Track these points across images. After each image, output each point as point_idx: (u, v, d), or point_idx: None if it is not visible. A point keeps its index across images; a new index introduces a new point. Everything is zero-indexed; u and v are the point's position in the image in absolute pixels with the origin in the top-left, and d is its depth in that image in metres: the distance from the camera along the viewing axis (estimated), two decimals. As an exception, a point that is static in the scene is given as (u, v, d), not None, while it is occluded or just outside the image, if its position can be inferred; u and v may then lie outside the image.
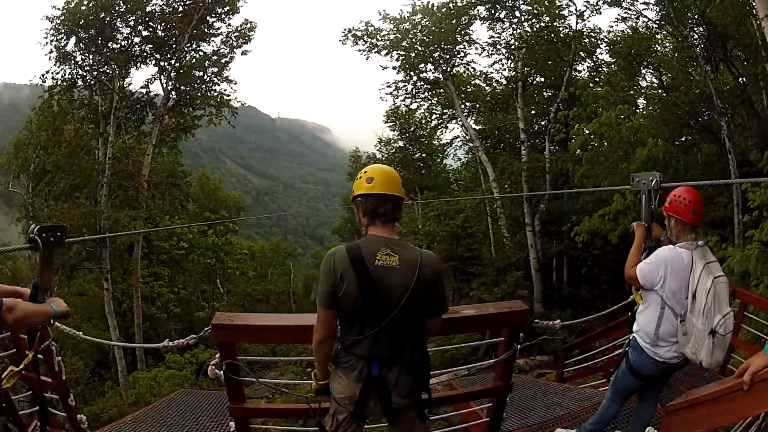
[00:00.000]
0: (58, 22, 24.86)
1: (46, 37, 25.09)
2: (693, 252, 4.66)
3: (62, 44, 25.32)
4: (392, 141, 42.21)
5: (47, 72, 25.60)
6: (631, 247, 5.21)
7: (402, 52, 29.97)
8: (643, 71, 22.94)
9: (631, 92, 23.15)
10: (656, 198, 5.38)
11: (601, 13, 25.79)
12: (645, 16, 23.22)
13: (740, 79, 21.18)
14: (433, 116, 36.33)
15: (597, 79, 26.84)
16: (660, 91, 22.56)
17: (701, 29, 20.06)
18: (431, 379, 3.79)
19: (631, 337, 5.08)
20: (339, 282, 3.40)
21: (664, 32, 22.61)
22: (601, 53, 27.74)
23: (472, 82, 32.94)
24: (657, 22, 22.67)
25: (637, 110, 22.91)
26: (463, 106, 31.17)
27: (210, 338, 5.01)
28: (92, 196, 26.15)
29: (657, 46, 23.06)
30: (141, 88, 28.78)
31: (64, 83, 25.80)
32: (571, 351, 12.42)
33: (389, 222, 3.58)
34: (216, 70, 29.28)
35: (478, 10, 28.09)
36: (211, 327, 4.55)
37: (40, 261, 3.71)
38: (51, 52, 25.24)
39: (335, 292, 3.41)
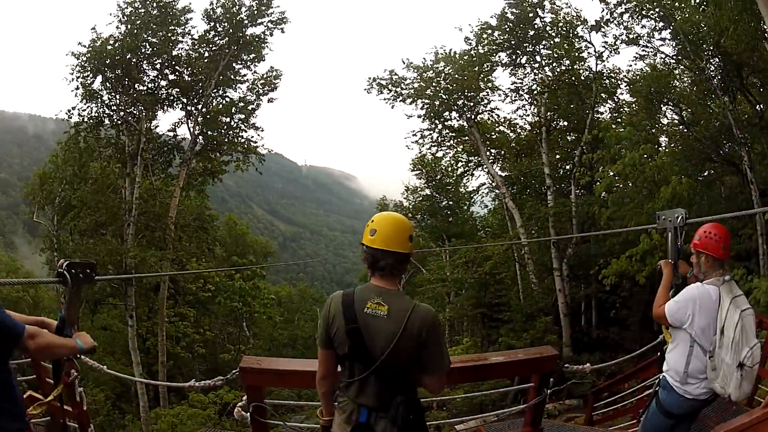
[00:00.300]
0: (84, 59, 25.43)
1: (71, 73, 25.63)
2: (720, 287, 4.66)
3: (88, 82, 25.86)
4: (419, 189, 42.18)
5: (73, 108, 26.08)
6: (658, 286, 5.19)
7: (426, 101, 30.19)
8: (664, 108, 22.90)
9: (653, 130, 23.09)
10: (682, 235, 5.39)
11: (619, 52, 25.92)
12: (662, 52, 23.39)
13: (758, 106, 21.12)
14: (459, 164, 36.42)
15: (619, 120, 26.88)
16: (681, 127, 22.48)
17: (717, 60, 20.08)
18: (460, 424, 3.87)
19: (660, 377, 5.06)
20: (331, 324, 3.49)
21: (682, 67, 22.62)
22: (622, 93, 27.91)
23: (497, 129, 33.08)
24: (674, 57, 22.80)
25: (660, 148, 22.85)
26: (488, 153, 31.19)
27: (236, 379, 5.10)
28: (118, 234, 26.45)
29: (675, 81, 23.06)
30: (168, 131, 29.26)
31: (91, 121, 26.25)
32: (600, 394, 12.21)
33: (388, 275, 3.54)
34: (243, 116, 29.65)
35: (499, 57, 28.43)
36: (239, 370, 4.60)
37: (67, 296, 3.73)
38: (77, 88, 25.77)
39: (329, 334, 3.50)
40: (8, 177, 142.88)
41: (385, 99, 30.33)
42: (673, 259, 5.35)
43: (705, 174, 21.99)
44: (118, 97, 26.39)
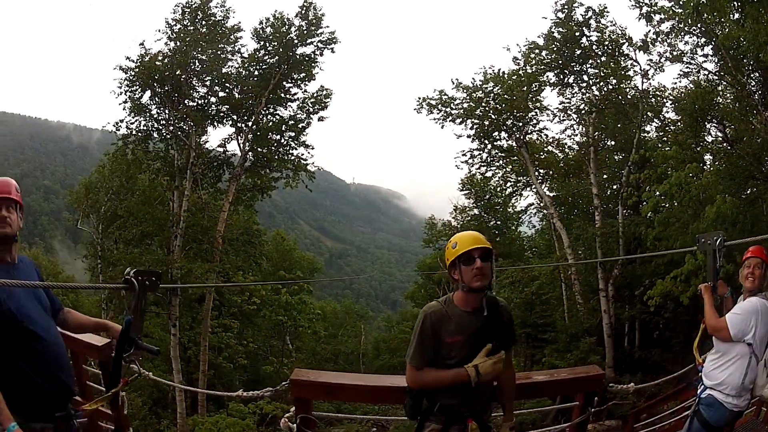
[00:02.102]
0: (133, 74, 25.97)
1: (119, 87, 26.19)
2: None
3: (137, 96, 26.43)
4: (467, 209, 42.22)
5: (121, 121, 26.65)
6: (704, 307, 5.30)
7: (476, 121, 30.24)
8: (708, 126, 22.59)
9: (698, 149, 22.80)
10: (721, 257, 5.40)
11: (664, 70, 25.80)
12: (705, 69, 23.04)
13: None
14: (508, 184, 36.17)
15: (665, 139, 26.55)
16: (725, 144, 22.16)
17: (757, 74, 19.86)
18: None
19: (703, 395, 5.12)
20: None
21: (724, 83, 22.30)
22: (668, 111, 27.51)
23: (545, 149, 32.96)
24: (716, 73, 22.47)
25: (705, 167, 22.54)
26: (536, 173, 31.03)
27: (280, 391, 5.16)
28: (165, 245, 27.09)
29: (719, 98, 22.72)
30: (218, 146, 29.72)
31: (139, 134, 26.79)
32: (640, 414, 12.10)
33: None
34: (293, 134, 29.82)
35: (547, 77, 28.41)
36: (290, 382, 4.70)
37: (134, 302, 3.87)
38: (125, 102, 26.34)
39: None
40: (51, 184, 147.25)
41: (434, 119, 30.41)
42: (711, 281, 5.41)
43: (748, 192, 21.63)
44: (167, 111, 26.92)
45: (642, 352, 25.10)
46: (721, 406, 4.89)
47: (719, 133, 22.56)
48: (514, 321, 4.09)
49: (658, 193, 20.75)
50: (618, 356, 25.09)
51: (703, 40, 21.58)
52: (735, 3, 13.63)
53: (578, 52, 26.88)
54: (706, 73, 22.96)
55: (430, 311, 3.80)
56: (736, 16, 15.89)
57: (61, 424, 3.57)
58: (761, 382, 4.75)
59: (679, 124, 25.08)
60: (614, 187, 29.46)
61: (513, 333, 4.09)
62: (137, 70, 25.89)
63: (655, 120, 27.76)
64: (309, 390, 4.74)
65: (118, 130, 26.81)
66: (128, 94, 26.28)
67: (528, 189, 34.47)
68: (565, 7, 26.45)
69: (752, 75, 20.03)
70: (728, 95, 22.81)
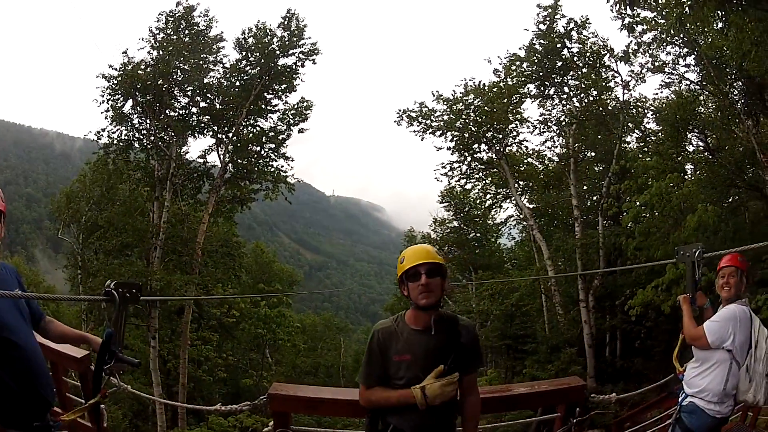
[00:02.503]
0: (115, 82, 25.87)
1: (102, 95, 26.06)
2: (748, 306, 5.01)
3: (119, 105, 26.32)
4: (447, 221, 42.25)
5: (103, 130, 26.51)
6: (683, 317, 5.34)
7: (456, 133, 30.31)
8: (689, 135, 22.85)
9: (679, 159, 23.02)
10: (700, 268, 5.47)
11: (645, 81, 26.00)
12: (687, 79, 23.35)
13: None
14: (488, 196, 36.23)
15: (646, 149, 26.78)
16: (706, 153, 22.44)
17: (740, 83, 20.12)
18: None
19: (684, 403, 5.17)
20: None
21: (706, 93, 22.58)
22: (648, 122, 27.84)
23: (525, 161, 33.12)
24: (699, 83, 22.77)
25: (686, 176, 22.77)
26: (516, 185, 31.20)
27: (259, 405, 5.12)
28: (145, 256, 26.77)
29: (700, 107, 23.07)
30: (198, 157, 29.55)
31: (120, 143, 26.63)
32: (623, 424, 12.13)
33: None
34: (273, 146, 29.75)
35: (528, 88, 28.51)
36: (268, 396, 4.66)
37: (114, 314, 3.82)
38: (107, 110, 26.23)
39: None
40: (33, 192, 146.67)
41: (414, 131, 30.44)
42: (690, 292, 5.48)
43: (729, 200, 21.88)
44: (148, 121, 26.82)
45: (623, 362, 25.29)
46: (703, 413, 4.95)
47: (701, 143, 22.91)
48: (478, 341, 3.88)
49: (638, 203, 20.94)
50: (599, 366, 25.21)
51: (686, 50, 21.88)
52: (719, 12, 13.74)
53: (559, 63, 27.08)
54: (688, 83, 23.34)
55: (380, 328, 3.68)
56: (720, 25, 16.04)
57: None
58: (744, 388, 4.81)
59: (660, 134, 25.46)
60: (594, 198, 29.71)
61: (476, 355, 3.79)
62: (120, 78, 25.80)
63: (636, 131, 28.08)
64: (288, 404, 4.72)
65: (100, 139, 26.69)
66: (110, 102, 26.18)
67: (508, 201, 34.60)
68: (547, 18, 26.69)
69: (735, 84, 20.36)
70: (710, 105, 23.18)
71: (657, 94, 26.32)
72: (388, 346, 3.59)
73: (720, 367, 4.90)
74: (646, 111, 27.61)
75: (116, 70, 25.89)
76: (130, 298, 3.86)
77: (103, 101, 26.11)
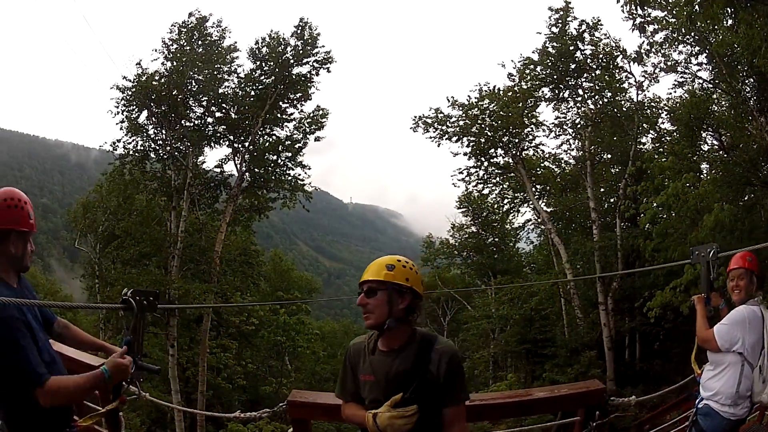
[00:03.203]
0: (129, 93, 26.18)
1: (117, 106, 26.37)
2: (761, 306, 4.93)
3: (134, 116, 26.60)
4: (465, 226, 42.17)
5: (119, 141, 26.84)
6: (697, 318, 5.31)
7: (472, 138, 30.39)
8: (704, 134, 22.69)
9: (695, 158, 22.87)
10: (714, 268, 5.43)
11: (659, 81, 25.82)
12: (700, 78, 23.33)
13: None
14: (505, 200, 36.35)
15: (661, 150, 26.63)
16: (721, 152, 22.26)
17: (752, 80, 19.96)
18: None
19: (700, 406, 5.14)
20: None
21: (719, 91, 22.43)
22: (663, 122, 27.68)
23: (542, 165, 33.08)
24: (711, 81, 22.69)
25: (702, 176, 22.62)
26: (533, 188, 31.27)
27: (279, 412, 5.14)
28: (162, 265, 27.07)
29: (714, 106, 22.96)
30: (215, 167, 29.67)
31: (137, 154, 26.92)
32: (642, 426, 12.05)
33: None
34: (290, 154, 29.84)
35: (542, 92, 28.56)
36: (287, 403, 4.67)
37: (132, 322, 3.81)
38: (122, 121, 26.51)
39: None
40: (49, 203, 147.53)
41: (431, 137, 30.60)
42: (705, 292, 5.43)
43: (745, 198, 21.69)
44: (164, 131, 27.03)
45: (643, 364, 25.17)
46: (717, 415, 4.91)
47: (715, 142, 22.73)
48: (458, 369, 3.33)
49: (655, 204, 20.82)
50: (619, 369, 25.06)
51: (697, 48, 21.77)
52: (728, 9, 13.65)
53: (573, 66, 27.09)
54: (701, 81, 23.24)
55: (352, 345, 3.52)
56: (730, 22, 15.93)
57: None
58: (758, 389, 4.77)
59: (674, 134, 25.25)
60: (611, 200, 29.62)
61: (451, 386, 3.25)
62: (134, 89, 26.08)
63: (651, 131, 27.94)
64: (307, 411, 4.70)
65: (116, 149, 27.01)
66: (125, 113, 26.47)
67: (525, 205, 34.63)
68: (559, 21, 26.72)
69: (747, 81, 20.16)
70: (723, 103, 22.94)
71: (670, 93, 26.06)
72: (356, 364, 3.41)
73: (732, 370, 4.87)
74: (660, 111, 27.49)
75: (130, 81, 26.20)
76: (147, 306, 3.86)
77: (118, 112, 26.44)
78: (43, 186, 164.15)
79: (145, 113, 26.80)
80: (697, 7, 15.79)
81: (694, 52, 22.34)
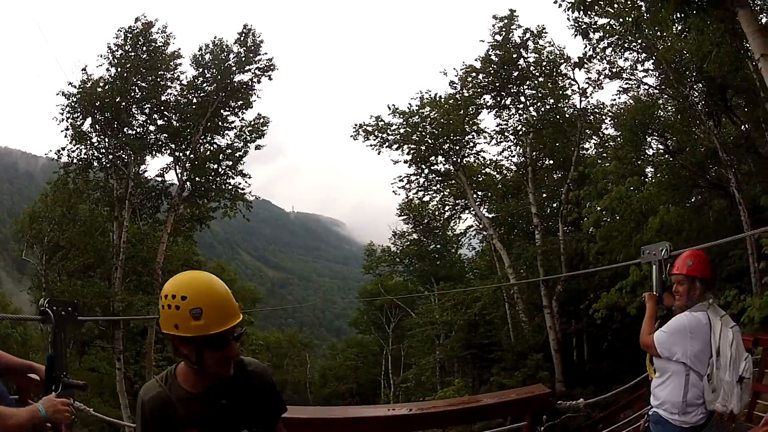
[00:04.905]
0: (74, 100, 25.60)
1: (62, 113, 25.72)
2: (708, 311, 4.74)
3: (78, 123, 26.00)
4: (406, 234, 42.37)
5: (63, 149, 26.15)
6: (644, 318, 5.23)
7: (413, 146, 30.58)
8: (649, 139, 23.15)
9: (639, 162, 23.36)
10: (667, 268, 5.40)
11: (603, 87, 26.45)
12: (645, 84, 23.80)
13: (743, 126, 21.42)
14: (446, 207, 36.55)
15: (604, 155, 27.17)
16: (667, 156, 22.74)
17: (700, 85, 20.38)
18: None
19: (650, 413, 5.04)
20: None
21: (666, 96, 23.04)
22: (607, 128, 28.38)
23: (483, 171, 33.44)
24: (657, 87, 23.17)
25: (646, 179, 23.11)
26: (475, 195, 31.55)
27: None
28: (106, 277, 26.50)
29: (660, 111, 23.53)
30: (156, 176, 29.31)
31: (80, 163, 26.33)
32: (596, 426, 12.24)
33: None
34: (230, 163, 29.66)
35: (484, 99, 28.89)
36: None
37: (52, 336, 3.61)
38: (67, 129, 25.89)
39: None
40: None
41: (371, 145, 30.67)
42: (658, 292, 5.40)
43: (692, 200, 22.23)
44: (107, 140, 26.52)
45: (592, 364, 25.44)
46: (668, 423, 4.80)
47: (660, 146, 23.18)
48: (274, 382, 2.96)
49: (599, 208, 21.16)
50: (568, 370, 25.28)
51: (644, 55, 22.23)
52: (678, 14, 13.98)
53: (515, 73, 27.44)
54: (647, 87, 23.69)
55: (148, 397, 2.64)
56: (678, 27, 16.34)
57: None
58: (710, 398, 4.61)
59: (618, 139, 25.75)
60: (554, 205, 30.01)
61: (278, 401, 2.95)
62: (79, 96, 25.53)
63: (594, 137, 28.51)
64: None
65: (60, 158, 26.30)
66: (70, 121, 25.84)
67: (467, 211, 34.86)
68: (503, 29, 27.03)
69: (695, 86, 20.59)
70: (669, 108, 23.47)
71: (615, 99, 26.70)
72: (166, 422, 2.62)
73: (677, 379, 4.75)
74: (604, 117, 28.16)
75: (75, 87, 25.62)
76: (67, 318, 3.64)
77: (63, 119, 25.81)
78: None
79: (89, 120, 26.27)
80: (644, 12, 16.19)
81: (640, 59, 22.86)
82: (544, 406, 5.08)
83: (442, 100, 29.64)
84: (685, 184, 20.93)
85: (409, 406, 4.96)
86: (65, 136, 26.08)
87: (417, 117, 30.10)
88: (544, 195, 31.07)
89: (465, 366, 31.54)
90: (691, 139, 21.97)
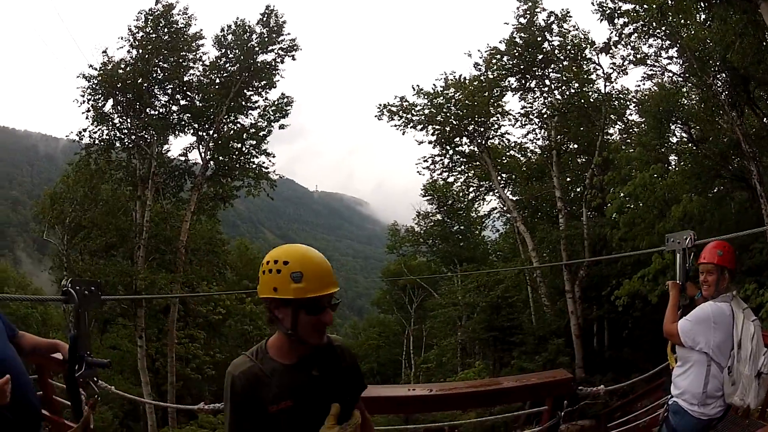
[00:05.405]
0: (95, 82, 25.77)
1: (83, 95, 25.91)
2: (731, 303, 4.70)
3: (99, 104, 26.18)
4: (430, 214, 42.46)
5: (84, 130, 26.37)
6: (668, 306, 5.16)
7: (437, 127, 30.47)
8: (672, 127, 22.85)
9: (663, 150, 23.07)
10: (690, 256, 5.34)
11: (627, 73, 26.14)
12: (670, 71, 23.44)
13: (765, 119, 21.13)
14: (470, 189, 36.41)
15: (628, 141, 26.88)
16: (690, 144, 22.44)
17: (724, 75, 20.04)
18: None
19: (670, 402, 4.99)
20: None
21: (689, 84, 22.67)
22: (631, 114, 28.07)
23: (508, 154, 33.25)
24: (681, 75, 22.81)
25: (670, 167, 22.84)
26: (499, 177, 31.33)
27: None
28: (129, 256, 26.83)
29: (684, 99, 23.19)
30: (179, 155, 29.54)
31: (102, 143, 26.54)
32: (613, 414, 12.18)
33: None
34: (254, 142, 29.78)
35: (509, 82, 28.64)
36: None
37: (75, 315, 3.62)
38: (88, 110, 26.08)
39: None
40: (19, 195, 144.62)
41: (395, 125, 30.62)
42: (681, 281, 5.30)
43: (715, 190, 21.93)
44: (129, 120, 26.65)
45: (611, 352, 25.35)
46: (686, 414, 4.76)
47: (684, 134, 22.85)
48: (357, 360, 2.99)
49: (622, 194, 20.99)
50: (587, 356, 25.18)
51: (668, 42, 21.87)
52: (702, 3, 13.74)
53: (540, 56, 27.16)
54: (671, 74, 23.32)
55: (238, 372, 2.64)
56: (702, 17, 16.07)
57: None
58: (729, 390, 4.58)
59: (642, 126, 25.42)
60: (578, 189, 29.87)
61: (361, 378, 2.97)
62: (100, 78, 25.63)
63: (618, 122, 28.18)
64: None
65: (82, 139, 26.52)
66: (91, 102, 25.99)
67: (491, 193, 34.75)
68: (527, 12, 26.77)
69: (718, 76, 20.24)
70: (693, 96, 23.11)
71: (639, 86, 26.36)
72: (258, 395, 2.61)
73: (698, 369, 4.71)
74: (628, 103, 27.80)
75: (96, 69, 25.71)
76: (90, 297, 3.65)
77: (84, 101, 25.95)
78: (12, 178, 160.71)
79: (110, 102, 26.40)
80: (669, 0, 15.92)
81: (664, 46, 22.45)
82: (565, 391, 5.06)
83: (467, 81, 29.45)
84: (707, 174, 20.61)
85: (430, 386, 4.92)
86: (86, 118, 26.30)
87: (441, 98, 29.95)
88: (568, 179, 30.86)
89: (486, 348, 31.50)
90: (714, 129, 21.62)
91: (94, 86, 25.83)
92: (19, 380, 3.29)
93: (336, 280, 2.65)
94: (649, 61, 23.68)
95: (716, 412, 4.69)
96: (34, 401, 3.50)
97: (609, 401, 17.10)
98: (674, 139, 23.80)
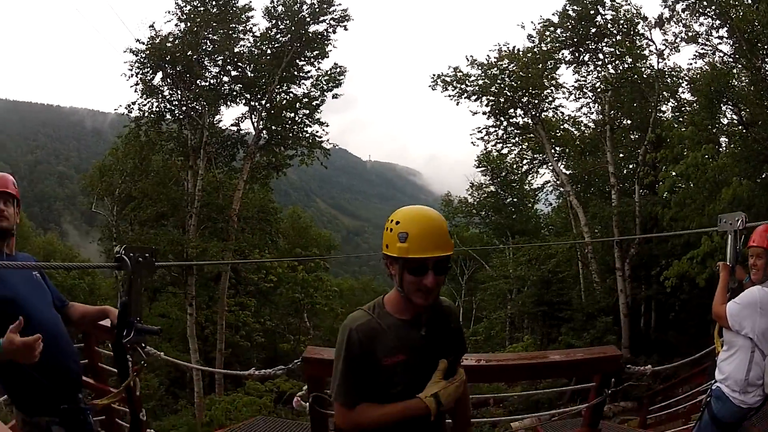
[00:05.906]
0: (143, 56, 26.10)
1: (131, 69, 26.26)
2: None
3: (148, 78, 26.55)
4: (483, 186, 42.34)
5: (133, 103, 26.77)
6: (716, 288, 5.11)
7: (491, 98, 30.21)
8: (723, 108, 22.32)
9: (714, 130, 22.54)
10: (741, 239, 5.24)
11: (680, 51, 25.54)
12: (720, 51, 22.93)
13: None
14: (524, 161, 36.23)
15: (681, 119, 26.29)
16: (740, 127, 21.89)
17: (772, 59, 19.41)
18: (516, 422, 3.66)
19: (713, 387, 4.94)
20: None
21: (739, 66, 22.13)
22: (683, 92, 27.26)
23: (561, 127, 32.85)
24: (732, 56, 22.30)
25: (721, 149, 22.33)
26: (553, 150, 31.04)
27: (294, 369, 5.14)
28: (180, 225, 27.19)
29: (734, 80, 22.50)
30: (232, 125, 29.68)
31: (152, 115, 26.93)
32: (655, 397, 12.10)
33: None
34: (307, 111, 29.80)
35: (562, 54, 28.27)
36: (302, 360, 4.60)
37: (128, 282, 3.60)
38: (137, 84, 26.43)
39: None
40: (66, 170, 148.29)
41: (449, 95, 30.44)
42: (731, 262, 5.22)
43: (763, 176, 21.37)
44: (179, 92, 26.99)
45: (657, 334, 25.11)
46: (728, 401, 4.71)
47: (734, 116, 22.30)
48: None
49: (674, 173, 20.63)
50: (633, 337, 24.91)
51: (718, 21, 21.30)
52: (750, -16, 13.32)
53: (593, 30, 26.61)
54: (722, 55, 22.78)
55: (356, 325, 2.76)
56: (750, -1, 15.56)
57: (69, 417, 3.41)
58: (767, 380, 4.52)
59: (694, 104, 24.87)
60: (630, 166, 29.34)
61: (464, 340, 3.12)
62: (148, 52, 25.96)
63: (671, 100, 27.59)
64: (321, 368, 4.50)
65: (131, 112, 27.00)
66: (139, 76, 26.37)
67: (544, 166, 34.43)
68: (580, -16, 26.16)
69: (767, 59, 19.69)
70: (743, 78, 22.50)
71: (691, 64, 25.70)
72: (373, 348, 2.73)
73: (742, 354, 4.65)
74: (680, 81, 26.97)
75: (143, 44, 26.09)
76: (143, 263, 3.63)
77: (132, 75, 26.35)
78: (59, 154, 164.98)
79: (159, 75, 26.77)
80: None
81: (714, 25, 21.96)
82: (614, 369, 5.02)
83: (521, 53, 29.09)
84: (756, 158, 20.07)
85: (479, 356, 4.95)
86: (135, 91, 26.64)
87: (495, 69, 29.67)
88: (621, 155, 30.29)
89: (534, 323, 31.47)
90: (763, 113, 20.92)
91: (142, 60, 26.17)
92: (57, 345, 3.34)
93: (445, 246, 2.68)
94: (700, 40, 23.18)
95: (755, 401, 4.64)
96: (74, 368, 3.56)
97: (652, 384, 16.96)
98: (725, 120, 23.27)
